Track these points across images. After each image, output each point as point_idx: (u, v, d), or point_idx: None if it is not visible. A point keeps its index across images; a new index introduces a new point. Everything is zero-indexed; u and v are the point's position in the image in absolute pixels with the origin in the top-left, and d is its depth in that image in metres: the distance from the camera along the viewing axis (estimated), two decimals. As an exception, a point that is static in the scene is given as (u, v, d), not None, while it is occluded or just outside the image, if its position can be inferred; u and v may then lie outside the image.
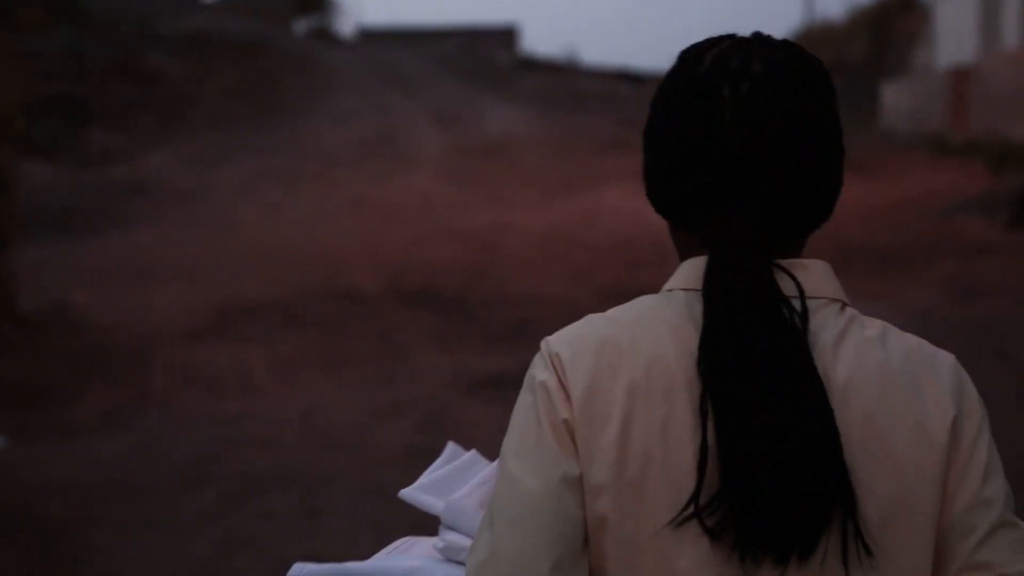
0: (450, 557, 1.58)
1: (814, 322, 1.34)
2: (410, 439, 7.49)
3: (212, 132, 23.38)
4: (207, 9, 34.73)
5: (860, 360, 1.34)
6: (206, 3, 35.96)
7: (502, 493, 1.33)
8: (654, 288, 1.42)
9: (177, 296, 11.71)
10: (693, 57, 1.42)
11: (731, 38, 1.43)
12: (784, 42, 1.43)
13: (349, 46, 36.17)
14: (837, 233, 13.16)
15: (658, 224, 1.52)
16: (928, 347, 1.39)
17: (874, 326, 1.38)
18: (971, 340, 8.69)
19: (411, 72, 31.29)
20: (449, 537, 1.58)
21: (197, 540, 6.06)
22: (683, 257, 1.43)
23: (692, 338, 1.33)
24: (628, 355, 1.34)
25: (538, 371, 1.37)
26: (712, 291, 1.33)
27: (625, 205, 15.30)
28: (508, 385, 8.43)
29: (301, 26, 38.99)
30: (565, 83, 33.33)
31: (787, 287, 1.34)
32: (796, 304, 1.33)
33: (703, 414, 1.29)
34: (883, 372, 1.33)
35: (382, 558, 1.65)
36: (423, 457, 6.93)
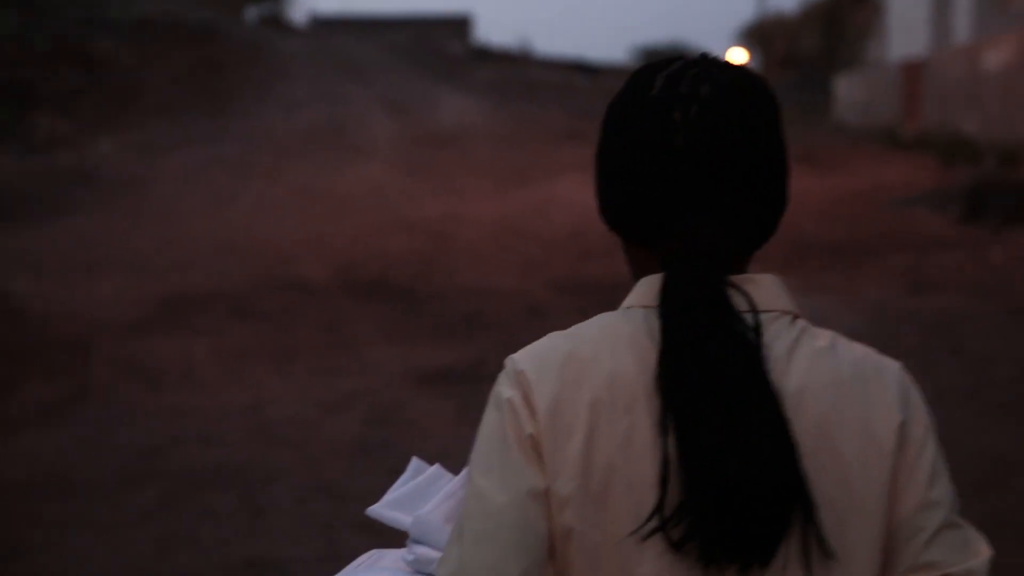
0: (419, 570, 1.62)
1: (767, 335, 1.39)
2: (358, 434, 7.34)
3: (160, 120, 23.08)
4: (156, -5, 34.27)
5: (811, 370, 1.39)
6: (155, -11, 35.48)
7: (470, 507, 1.37)
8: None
9: (121, 286, 11.49)
10: (644, 80, 1.47)
11: (680, 60, 1.48)
12: (731, 63, 1.48)
13: (301, 35, 35.86)
14: (792, 226, 13.10)
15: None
16: (875, 355, 1.44)
17: (824, 337, 1.42)
18: (925, 336, 8.65)
19: (364, 62, 31.07)
20: (418, 550, 1.62)
21: (137, 539, 5.88)
22: (635, 273, 1.48)
23: (651, 354, 1.37)
24: (590, 370, 1.38)
25: (504, 388, 1.40)
26: (669, 308, 1.38)
27: (578, 196, 15.20)
28: (459, 379, 8.30)
29: (252, 14, 38.60)
30: (519, 73, 33.22)
31: (739, 302, 1.39)
32: (749, 319, 1.38)
33: (663, 429, 1.33)
34: (833, 381, 1.38)
35: (349, 573, 1.68)
36: (371, 453, 6.74)
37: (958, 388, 7.43)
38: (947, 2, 26.26)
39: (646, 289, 1.43)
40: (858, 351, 1.43)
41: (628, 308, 1.44)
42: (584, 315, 1.53)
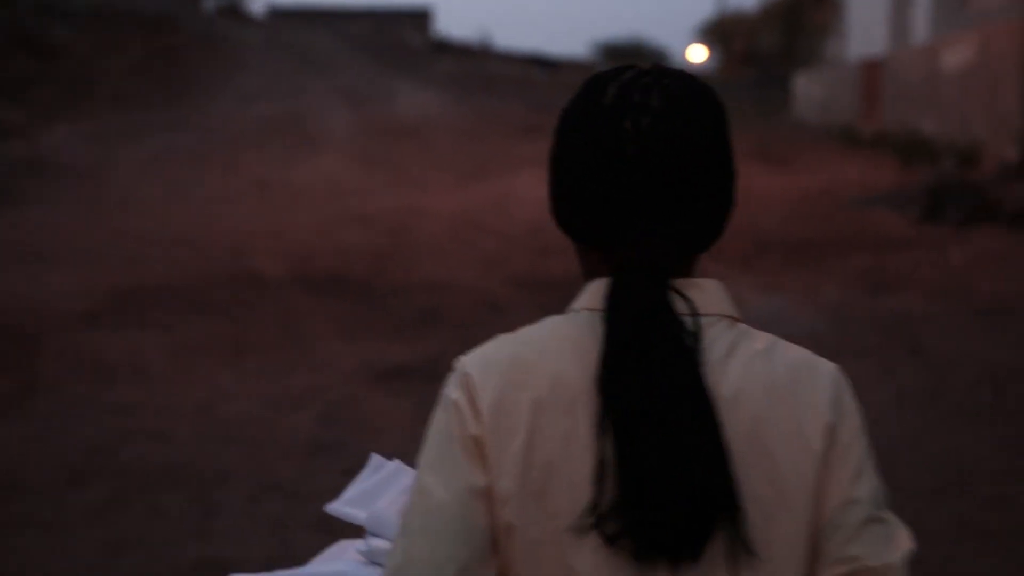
0: (373, 560, 1.69)
1: (706, 339, 1.45)
2: (312, 432, 7.20)
3: (115, 109, 22.81)
4: (113, -17, 33.90)
5: (747, 373, 1.45)
6: (112, -23, 35.10)
7: (415, 503, 1.44)
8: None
9: (72, 278, 11.29)
10: (596, 88, 1.52)
11: (632, 69, 1.53)
12: (681, 73, 1.53)
13: (259, 25, 35.59)
14: (752, 225, 13.07)
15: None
16: (812, 358, 1.49)
17: (762, 340, 1.48)
18: (885, 336, 8.61)
19: (322, 53, 30.86)
20: (373, 543, 1.70)
21: (83, 540, 5.73)
22: (587, 275, 1.53)
23: (593, 357, 1.43)
24: (534, 373, 1.44)
25: (451, 390, 1.47)
26: (612, 312, 1.43)
27: (538, 192, 15.07)
28: (415, 376, 8.18)
29: (210, 3, 38.24)
30: (478, 67, 33.11)
31: (682, 307, 1.44)
32: (690, 323, 1.44)
33: (601, 430, 1.39)
34: (768, 384, 1.44)
35: (315, 564, 1.76)
36: (325, 452, 6.58)
37: (919, 390, 7.38)
38: (906, 2, 26.35)
39: (593, 292, 1.49)
40: (795, 354, 1.48)
41: (575, 311, 1.50)
42: (544, 312, 1.58)
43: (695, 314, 1.44)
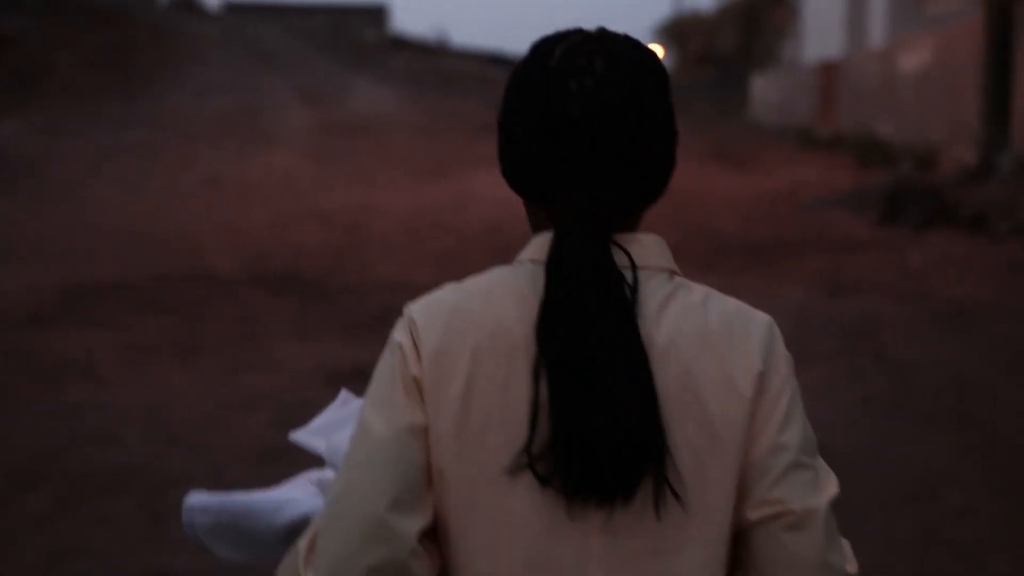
0: (323, 489, 1.78)
1: (643, 291, 1.50)
2: (265, 436, 7.03)
3: (67, 102, 22.50)
4: (65, -26, 33.45)
5: (681, 323, 1.50)
6: (64, -32, 34.66)
7: (357, 438, 1.50)
8: None
9: (19, 275, 11.07)
10: (544, 51, 1.57)
11: (579, 33, 1.58)
12: (625, 37, 1.58)
13: (213, 19, 35.25)
14: (711, 226, 13.01)
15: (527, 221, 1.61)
16: (746, 309, 1.54)
17: (698, 292, 1.54)
18: (849, 341, 8.53)
19: (277, 48, 30.62)
20: (326, 474, 1.80)
21: (27, 548, 5.54)
22: (535, 229, 1.60)
23: (533, 305, 1.49)
24: (476, 321, 1.50)
25: (397, 333, 1.54)
26: (553, 263, 1.48)
27: (496, 191, 14.98)
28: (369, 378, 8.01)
29: (164, -4, 37.85)
30: (435, 64, 32.96)
31: (621, 260, 1.50)
32: (629, 276, 1.50)
33: (536, 375, 1.45)
34: (701, 333, 1.50)
35: (278, 489, 1.84)
36: (278, 457, 6.39)
37: (883, 396, 7.30)
38: (862, 6, 26.45)
39: (538, 245, 1.55)
40: (730, 305, 1.54)
41: (520, 262, 1.56)
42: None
43: (634, 267, 1.50)
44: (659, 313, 1.50)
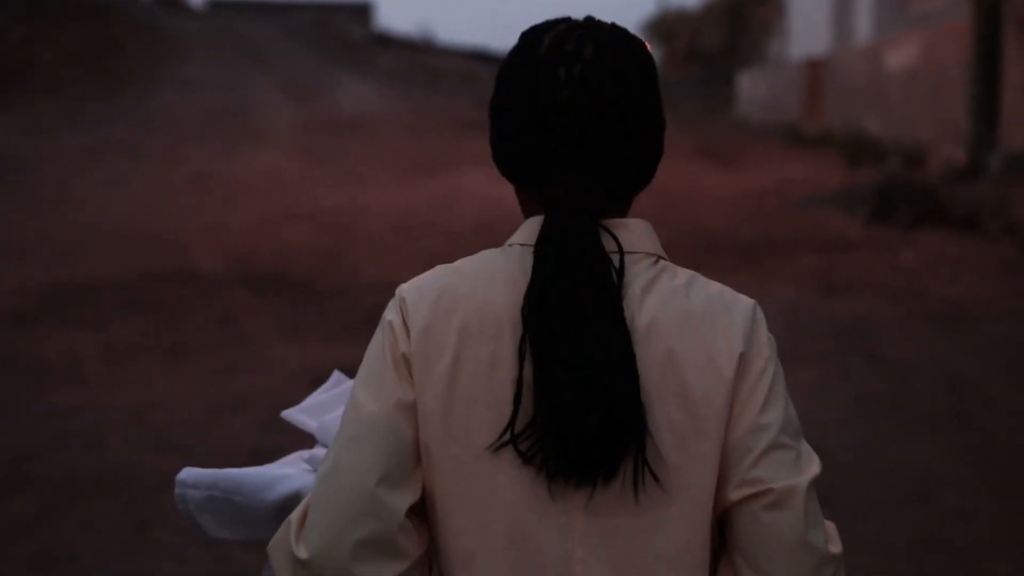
0: (314, 467, 1.79)
1: (628, 274, 1.53)
2: (252, 440, 6.93)
3: (50, 99, 22.34)
4: (48, -29, 33.22)
5: (664, 305, 1.53)
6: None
7: (347, 415, 1.54)
8: None
9: (2, 274, 10.92)
10: (533, 39, 1.60)
11: (567, 21, 1.61)
12: (613, 26, 1.62)
13: (198, 16, 35.10)
14: (700, 224, 12.93)
15: (519, 209, 1.66)
16: (729, 293, 1.57)
17: (682, 276, 1.57)
18: (842, 340, 8.46)
19: (262, 45, 30.48)
20: (316, 452, 1.82)
21: (8, 555, 5.45)
22: (526, 214, 1.63)
23: (521, 287, 1.52)
24: (464, 301, 1.54)
25: (388, 312, 1.58)
26: (542, 247, 1.52)
27: (484, 189, 14.90)
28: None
29: (148, -7, 37.66)
30: (421, 61, 32.85)
31: (609, 244, 1.54)
32: (616, 259, 1.53)
33: (521, 355, 1.49)
34: (683, 315, 1.52)
35: (270, 466, 1.87)
36: (267, 459, 6.30)
37: (878, 396, 7.22)
38: (848, 3, 26.41)
39: (528, 230, 1.59)
40: (713, 289, 1.57)
41: (509, 245, 1.59)
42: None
43: (621, 252, 1.53)
44: (643, 296, 1.53)
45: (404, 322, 1.55)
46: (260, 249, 12.20)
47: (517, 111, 1.58)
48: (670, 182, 13.81)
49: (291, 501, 1.75)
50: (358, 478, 1.50)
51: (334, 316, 9.82)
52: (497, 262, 1.58)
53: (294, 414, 1.91)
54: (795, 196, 14.91)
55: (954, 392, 7.26)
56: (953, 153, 15.73)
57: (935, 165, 16.21)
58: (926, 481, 5.82)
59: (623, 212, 1.62)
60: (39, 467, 6.54)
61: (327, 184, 15.99)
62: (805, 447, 1.54)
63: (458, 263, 1.61)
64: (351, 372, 6.61)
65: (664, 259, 1.59)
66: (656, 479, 1.48)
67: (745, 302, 1.57)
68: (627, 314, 1.50)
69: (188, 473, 1.85)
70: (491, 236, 12.58)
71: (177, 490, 1.84)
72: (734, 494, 1.51)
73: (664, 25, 50.03)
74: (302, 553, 1.50)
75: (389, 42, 37.61)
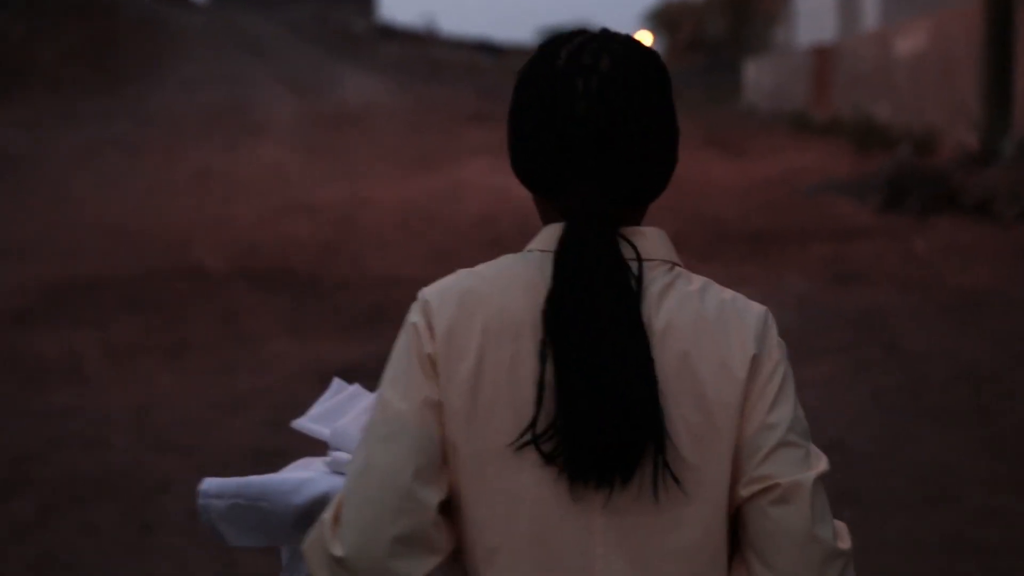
0: (336, 470, 1.82)
1: (645, 280, 1.58)
2: (255, 439, 6.78)
3: (50, 96, 22.24)
4: (48, -33, 33.11)
5: (679, 309, 1.57)
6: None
7: (376, 414, 1.57)
8: None
9: (1, 273, 10.80)
10: (550, 51, 1.65)
11: (583, 33, 1.66)
12: (627, 37, 1.67)
13: (199, 10, 34.97)
14: (709, 214, 12.77)
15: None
16: (742, 299, 1.62)
17: (696, 282, 1.62)
18: (858, 331, 8.29)
19: (263, 38, 30.36)
20: (336, 455, 1.83)
21: (7, 559, 5.32)
22: (544, 221, 1.67)
23: (541, 292, 1.56)
24: (485, 303, 1.58)
25: (412, 315, 1.62)
26: (563, 253, 1.56)
27: (488, 181, 14.76)
28: (364, 376, 7.70)
29: (149, -12, 37.49)
30: (424, 53, 32.72)
31: (627, 252, 1.58)
32: (634, 266, 1.57)
33: (543, 357, 1.53)
34: (698, 319, 1.57)
35: (283, 473, 1.85)
36: (270, 459, 6.12)
37: (896, 389, 7.05)
38: (855, -11, 26.23)
39: (547, 236, 1.62)
40: (726, 295, 1.61)
41: (528, 251, 1.63)
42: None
43: (640, 259, 1.58)
44: (659, 300, 1.58)
45: (429, 324, 1.59)
46: (262, 245, 12.07)
47: (536, 122, 1.63)
48: (679, 172, 13.35)
49: (318, 504, 1.78)
50: (393, 475, 1.53)
51: (337, 312, 9.68)
52: (516, 267, 1.62)
53: (305, 423, 1.93)
54: (804, 184, 14.74)
55: (972, 384, 7.09)
56: (965, 139, 15.54)
57: (946, 151, 16.03)
58: (949, 478, 5.65)
59: (639, 219, 1.67)
60: (39, 468, 6.41)
61: (329, 178, 15.85)
62: (813, 448, 1.59)
63: (478, 267, 1.65)
64: (355, 369, 6.40)
65: (679, 266, 1.64)
66: (676, 480, 1.52)
67: (757, 308, 1.61)
68: (644, 318, 1.55)
69: (210, 483, 1.85)
70: (494, 228, 12.43)
71: (200, 501, 1.84)
72: (744, 491, 1.56)
73: (668, 14, 49.87)
74: (338, 551, 1.53)
75: (392, 34, 37.49)
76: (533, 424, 1.52)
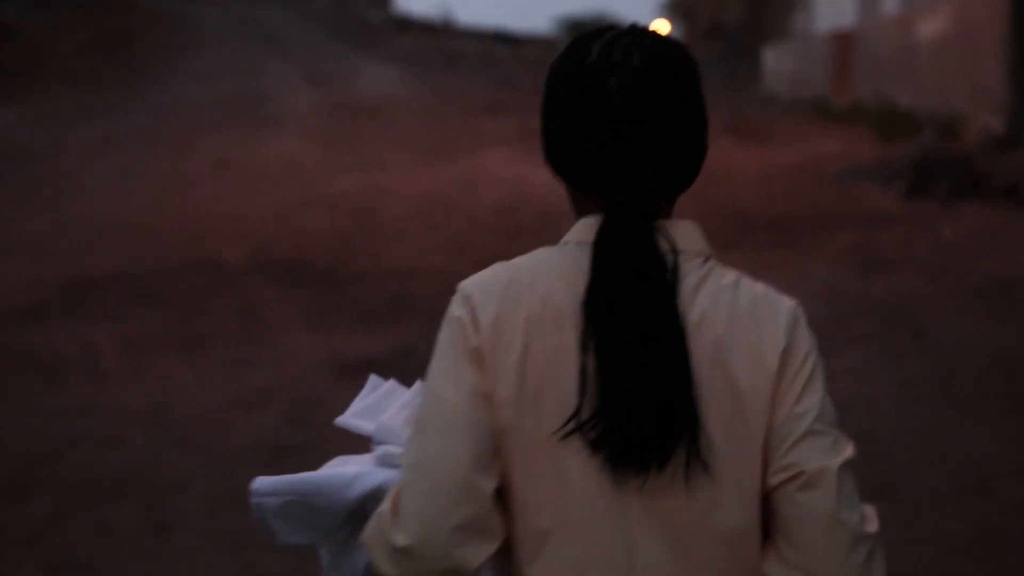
0: (386, 464, 1.83)
1: (681, 272, 1.62)
2: (275, 435, 6.69)
3: (66, 90, 22.20)
4: (63, -39, 33.07)
5: (713, 301, 1.63)
6: (63, -46, 34.29)
7: (428, 407, 1.62)
8: None
9: (17, 269, 10.75)
10: (581, 48, 1.69)
11: (612, 29, 1.70)
12: (655, 33, 1.70)
13: (216, 2, 34.88)
14: (732, 203, 12.62)
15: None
16: (772, 293, 1.66)
17: (730, 275, 1.66)
18: (886, 320, 8.14)
19: (279, 30, 30.30)
20: (384, 448, 1.85)
21: (23, 563, 5.25)
22: (578, 213, 1.71)
23: (580, 282, 1.62)
24: (527, 294, 1.63)
25: (455, 308, 1.66)
26: (601, 245, 1.62)
27: (506, 171, 14.62)
28: (385, 369, 7.57)
29: (165, -19, 37.44)
30: (440, 43, 32.61)
31: (663, 244, 1.63)
32: (669, 259, 1.62)
33: (585, 347, 1.59)
34: (731, 311, 1.62)
35: (325, 469, 1.88)
36: (289, 457, 5.97)
37: (927, 379, 6.91)
38: (874, -27, 25.97)
39: (583, 228, 1.67)
40: (758, 288, 1.66)
41: (565, 243, 1.68)
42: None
43: (675, 251, 1.62)
44: (694, 292, 1.62)
45: (473, 317, 1.63)
46: (279, 237, 11.97)
47: (569, 118, 1.67)
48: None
49: (370, 498, 1.80)
50: (451, 464, 1.58)
51: (356, 304, 9.57)
52: (554, 258, 1.67)
53: (348, 420, 1.96)
54: (828, 171, 14.55)
55: (1004, 373, 6.95)
56: (990, 122, 15.33)
57: (971, 135, 15.81)
58: (984, 470, 5.51)
59: (671, 211, 1.71)
60: (55, 468, 6.33)
61: (347, 170, 15.74)
62: (841, 435, 1.63)
63: (515, 260, 1.69)
64: (374, 362, 6.26)
65: (712, 258, 1.68)
66: (707, 467, 1.58)
67: (787, 301, 1.66)
68: (680, 310, 1.60)
69: (262, 482, 1.87)
70: (512, 218, 12.29)
71: (253, 500, 1.85)
72: (773, 479, 1.60)
73: (685, 3, 49.59)
74: (401, 541, 1.57)
75: (408, 25, 37.38)
76: (577, 412, 1.58)
